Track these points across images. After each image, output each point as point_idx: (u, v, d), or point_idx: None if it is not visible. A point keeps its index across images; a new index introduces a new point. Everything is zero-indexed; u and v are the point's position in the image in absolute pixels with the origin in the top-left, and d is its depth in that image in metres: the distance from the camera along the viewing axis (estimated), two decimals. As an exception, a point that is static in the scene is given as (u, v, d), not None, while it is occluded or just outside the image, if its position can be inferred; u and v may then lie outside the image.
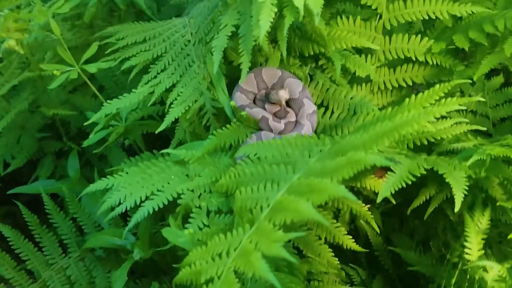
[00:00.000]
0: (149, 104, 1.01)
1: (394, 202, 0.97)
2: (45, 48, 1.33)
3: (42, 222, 1.19)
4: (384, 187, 0.82)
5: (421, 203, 0.98)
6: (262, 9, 0.81)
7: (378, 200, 0.82)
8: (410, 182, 0.82)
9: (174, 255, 0.95)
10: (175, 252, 0.94)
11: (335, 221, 1.01)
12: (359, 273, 1.12)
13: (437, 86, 0.82)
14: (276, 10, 0.82)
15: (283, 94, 0.98)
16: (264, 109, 1.01)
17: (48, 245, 1.16)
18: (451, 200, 0.85)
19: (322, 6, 0.83)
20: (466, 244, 0.91)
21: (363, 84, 1.06)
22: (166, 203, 0.89)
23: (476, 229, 0.92)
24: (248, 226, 0.69)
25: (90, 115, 1.10)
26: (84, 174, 1.31)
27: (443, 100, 0.80)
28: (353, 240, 1.00)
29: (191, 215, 0.88)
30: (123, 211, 0.89)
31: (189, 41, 1.07)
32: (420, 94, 0.82)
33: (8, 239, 1.15)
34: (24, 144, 1.36)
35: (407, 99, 0.82)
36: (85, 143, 1.09)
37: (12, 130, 1.34)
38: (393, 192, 0.82)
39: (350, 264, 1.12)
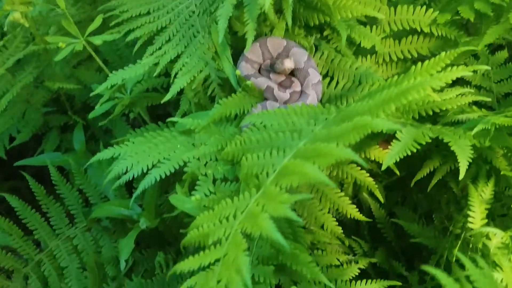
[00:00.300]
0: (154, 75, 1.01)
1: (398, 173, 0.97)
2: (49, 23, 1.33)
3: (48, 195, 1.20)
4: (389, 155, 0.82)
5: (425, 176, 0.98)
6: (267, -23, 0.81)
7: (383, 167, 0.82)
8: (415, 150, 0.82)
9: (179, 226, 0.95)
10: (180, 222, 0.95)
11: (339, 191, 1.02)
12: (361, 245, 1.12)
13: (443, 53, 0.81)
14: (281, -22, 0.82)
15: (288, 64, 0.97)
16: (269, 78, 1.01)
17: (55, 216, 1.18)
18: (454, 173, 0.85)
19: (328, -26, 0.83)
20: (469, 213, 0.90)
21: (368, 56, 1.05)
22: (172, 171, 0.89)
23: (480, 199, 0.92)
24: (255, 191, 0.70)
25: (95, 87, 1.09)
26: (89, 148, 1.31)
27: (449, 68, 0.80)
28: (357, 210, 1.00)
29: (198, 182, 0.89)
30: (129, 179, 0.90)
31: (193, 12, 1.06)
32: (426, 62, 0.81)
33: (15, 209, 1.17)
34: (30, 118, 1.36)
35: (413, 67, 0.81)
36: (91, 115, 1.09)
37: (17, 104, 1.34)
38: (397, 160, 0.82)
39: (353, 237, 1.12)
